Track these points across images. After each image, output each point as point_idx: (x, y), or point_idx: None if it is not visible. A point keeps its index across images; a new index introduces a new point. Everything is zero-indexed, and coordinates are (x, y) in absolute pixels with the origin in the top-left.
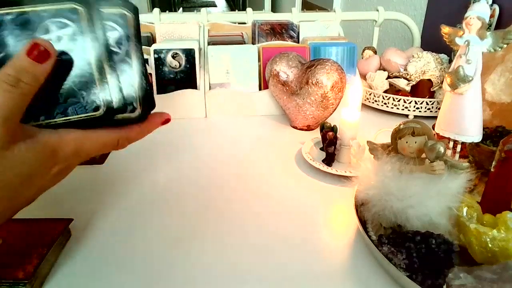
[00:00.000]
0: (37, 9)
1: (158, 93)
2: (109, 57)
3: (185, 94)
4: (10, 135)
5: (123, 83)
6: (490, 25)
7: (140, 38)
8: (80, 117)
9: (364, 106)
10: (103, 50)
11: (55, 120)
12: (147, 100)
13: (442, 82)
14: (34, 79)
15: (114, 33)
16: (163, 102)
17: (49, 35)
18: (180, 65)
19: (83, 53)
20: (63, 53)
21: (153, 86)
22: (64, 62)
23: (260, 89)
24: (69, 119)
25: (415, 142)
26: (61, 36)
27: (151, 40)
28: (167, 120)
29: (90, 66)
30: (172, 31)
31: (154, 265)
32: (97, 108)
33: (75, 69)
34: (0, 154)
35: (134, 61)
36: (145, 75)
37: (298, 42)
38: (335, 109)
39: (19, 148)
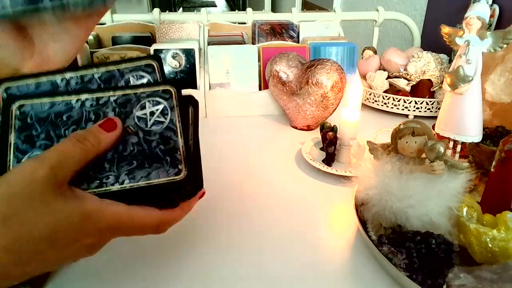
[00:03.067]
0: (138, 91)
1: None
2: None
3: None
4: (55, 181)
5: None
6: (490, 25)
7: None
8: (162, 181)
9: (364, 106)
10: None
11: (137, 183)
12: (196, 177)
13: (442, 82)
14: (98, 142)
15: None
16: None
17: (145, 110)
18: (180, 65)
19: (172, 125)
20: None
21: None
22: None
23: (260, 89)
24: (151, 182)
25: (415, 142)
26: (154, 111)
27: (151, 40)
28: (202, 194)
29: (176, 135)
30: (172, 31)
31: (155, 264)
32: (178, 172)
33: (161, 139)
34: (41, 197)
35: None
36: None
37: (298, 42)
38: (335, 109)
39: (61, 202)
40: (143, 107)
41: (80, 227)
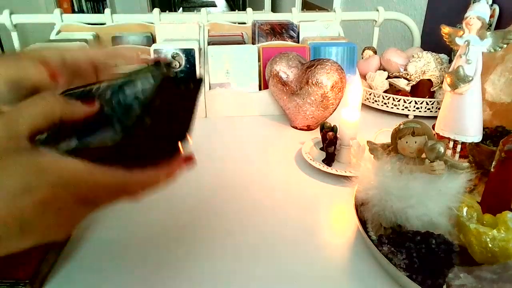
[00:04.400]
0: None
1: None
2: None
3: None
4: (9, 136)
5: None
6: (490, 25)
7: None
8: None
9: (364, 106)
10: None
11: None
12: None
13: (442, 82)
14: (71, 111)
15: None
16: None
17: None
18: (180, 65)
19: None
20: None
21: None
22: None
23: (260, 89)
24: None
25: (415, 142)
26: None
27: (151, 40)
28: (190, 161)
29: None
30: (172, 31)
31: (153, 265)
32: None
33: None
34: None
35: None
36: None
37: (298, 42)
38: (335, 109)
39: (14, 155)
40: (134, 87)
41: (31, 179)
